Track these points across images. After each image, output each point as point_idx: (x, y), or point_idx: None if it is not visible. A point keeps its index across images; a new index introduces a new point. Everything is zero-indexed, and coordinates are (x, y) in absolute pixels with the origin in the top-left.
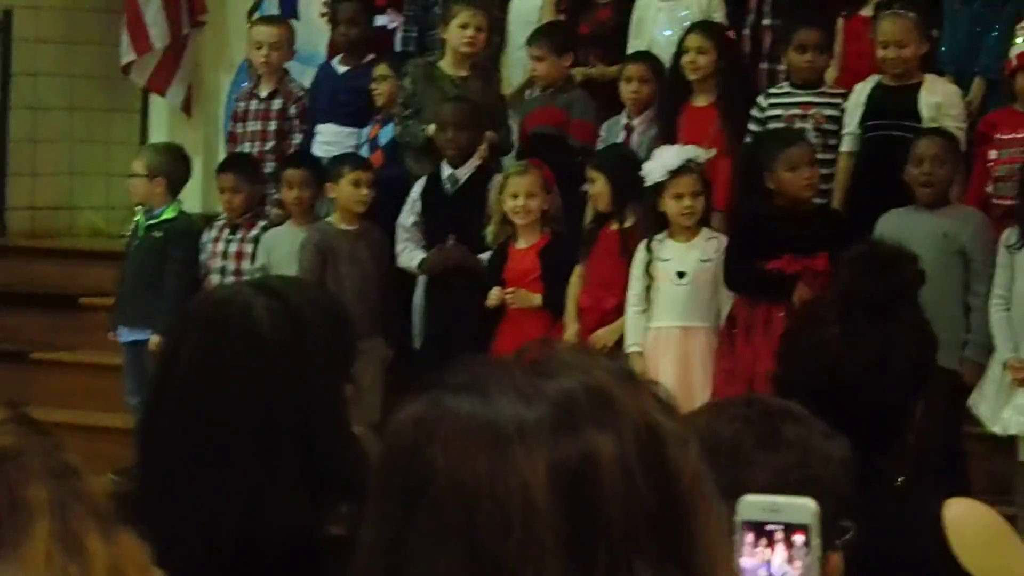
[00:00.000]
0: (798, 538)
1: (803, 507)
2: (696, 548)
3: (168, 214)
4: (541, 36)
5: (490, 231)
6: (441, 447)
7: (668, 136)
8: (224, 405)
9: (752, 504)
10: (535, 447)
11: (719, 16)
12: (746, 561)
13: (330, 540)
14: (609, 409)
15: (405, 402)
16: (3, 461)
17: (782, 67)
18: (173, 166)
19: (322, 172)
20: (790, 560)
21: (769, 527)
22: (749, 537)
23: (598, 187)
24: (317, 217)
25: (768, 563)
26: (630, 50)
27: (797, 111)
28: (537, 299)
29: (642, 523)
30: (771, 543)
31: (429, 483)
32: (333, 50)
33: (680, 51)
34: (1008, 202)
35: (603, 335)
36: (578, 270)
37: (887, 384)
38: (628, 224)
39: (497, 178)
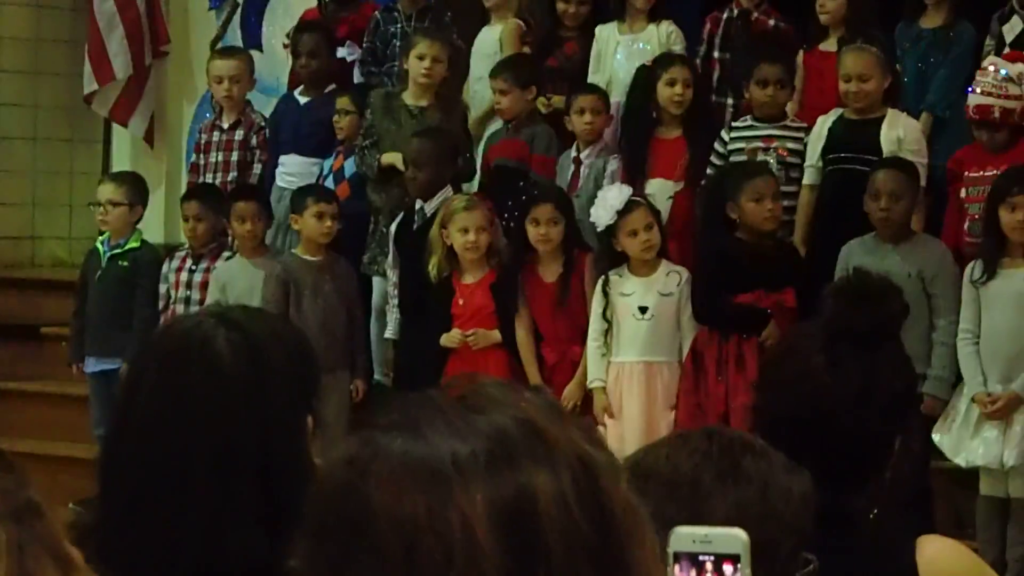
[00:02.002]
0: (727, 568)
1: (734, 537)
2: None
3: (133, 243)
4: (505, 69)
5: (433, 265)
6: (376, 486)
7: (637, 169)
8: (183, 437)
9: (684, 535)
10: (473, 483)
11: (679, 49)
12: None
13: (289, 574)
14: (542, 443)
15: (336, 443)
16: None
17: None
18: (144, 195)
19: (267, 203)
20: None
21: (700, 558)
22: (677, 569)
23: (559, 230)
24: (268, 249)
25: None
26: (590, 83)
27: (759, 144)
28: (496, 336)
29: (580, 554)
30: (700, 572)
31: (366, 522)
32: (294, 81)
33: (648, 83)
34: (979, 240)
35: (571, 393)
36: (522, 321)
37: (870, 417)
38: (559, 275)
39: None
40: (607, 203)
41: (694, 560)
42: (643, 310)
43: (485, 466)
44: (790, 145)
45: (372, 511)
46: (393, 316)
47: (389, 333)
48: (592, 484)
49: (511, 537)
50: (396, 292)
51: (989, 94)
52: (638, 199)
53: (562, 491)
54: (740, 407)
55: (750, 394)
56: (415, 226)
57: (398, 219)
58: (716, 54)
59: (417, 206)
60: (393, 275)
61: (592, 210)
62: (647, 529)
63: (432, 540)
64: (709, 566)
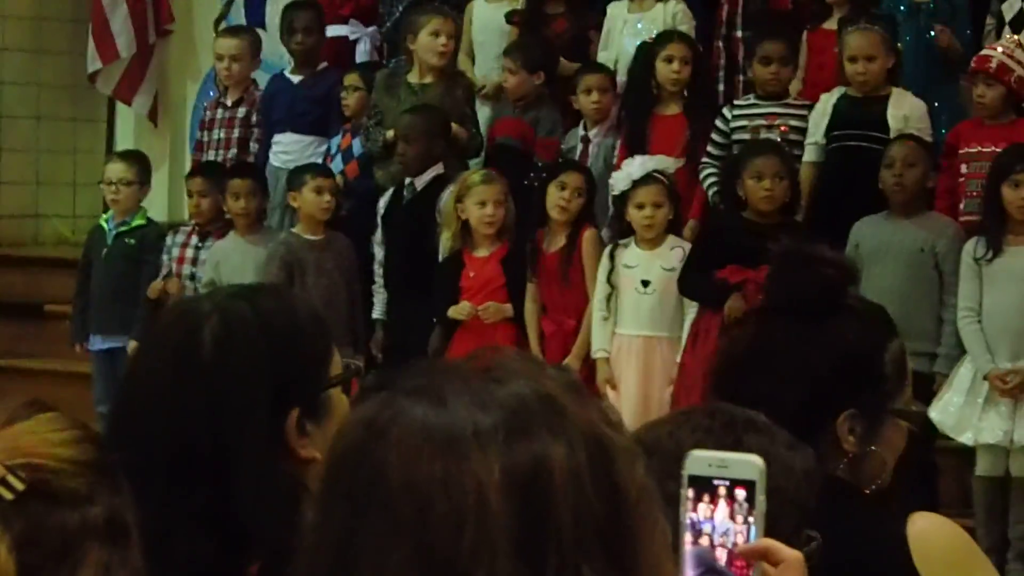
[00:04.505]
0: (739, 493)
1: (749, 463)
2: (641, 561)
3: (139, 220)
4: (516, 51)
5: (446, 239)
6: (395, 448)
7: (636, 145)
8: (150, 427)
9: (699, 459)
10: (491, 451)
11: (686, 27)
12: (691, 515)
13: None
14: (560, 417)
15: (356, 403)
16: (68, 506)
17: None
18: (150, 173)
19: (266, 181)
20: (732, 515)
21: (715, 482)
22: (691, 493)
23: (580, 203)
24: (264, 227)
25: (711, 518)
26: (600, 61)
27: (762, 122)
28: (509, 310)
29: (590, 531)
30: (714, 499)
31: (380, 483)
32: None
33: (648, 60)
34: (975, 218)
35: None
36: (531, 292)
37: (815, 389)
38: (561, 247)
39: (450, 187)
40: (628, 170)
41: (708, 485)
42: (645, 284)
43: (504, 435)
44: (792, 123)
45: (387, 472)
46: (380, 296)
47: (376, 313)
48: (607, 464)
49: (523, 506)
50: (382, 271)
51: (996, 48)
52: (659, 176)
53: (577, 467)
54: (700, 379)
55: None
56: (404, 201)
57: (387, 196)
58: (738, 33)
59: (407, 181)
60: (379, 253)
61: (614, 173)
62: (659, 516)
63: (445, 504)
64: (722, 491)
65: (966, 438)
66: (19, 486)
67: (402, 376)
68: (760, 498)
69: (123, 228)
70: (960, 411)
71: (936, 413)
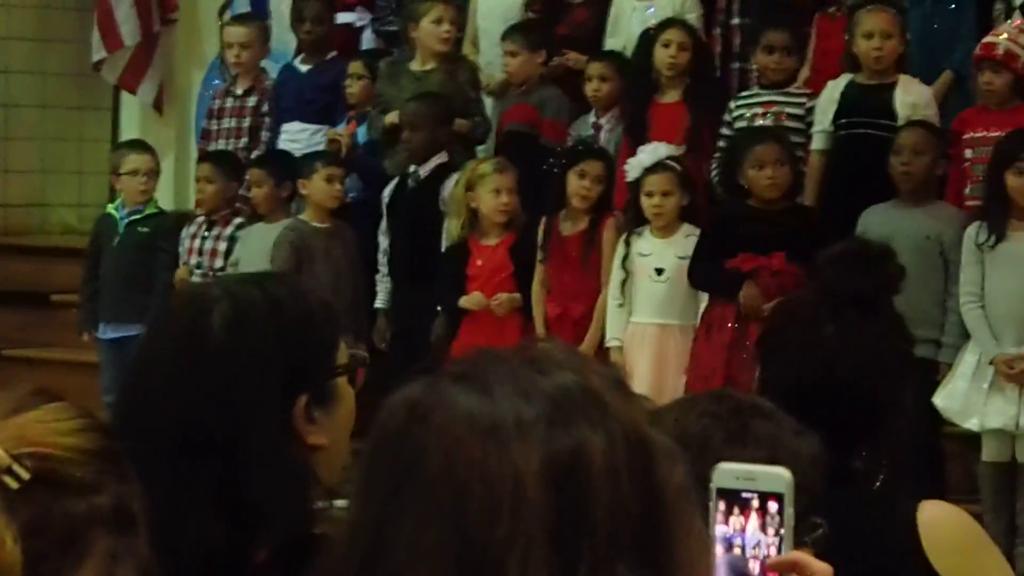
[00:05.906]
0: (772, 505)
1: (778, 476)
2: (676, 562)
3: (151, 209)
4: (515, 32)
5: (455, 227)
6: (436, 434)
7: (636, 132)
8: (160, 412)
9: (727, 472)
10: (531, 441)
11: (693, 16)
12: (720, 528)
13: (257, 568)
14: (602, 411)
15: (401, 385)
16: (74, 495)
17: (753, 66)
18: (159, 164)
19: (289, 168)
20: (763, 527)
21: (744, 495)
22: (723, 505)
23: (600, 189)
24: (289, 213)
25: (742, 531)
26: (607, 48)
27: (759, 109)
28: (519, 300)
29: (626, 528)
30: (744, 511)
31: (419, 467)
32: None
33: (649, 47)
34: (981, 203)
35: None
36: (539, 275)
37: (880, 380)
38: (579, 232)
39: (454, 175)
40: (640, 157)
41: (737, 497)
42: (659, 271)
43: (545, 426)
44: (789, 110)
45: (427, 457)
46: (384, 285)
47: (380, 302)
48: (647, 463)
49: (560, 497)
50: (386, 260)
51: (1000, 35)
52: (671, 164)
53: (615, 462)
54: (716, 369)
55: (724, 355)
56: (408, 190)
57: (392, 184)
58: (736, 21)
59: (411, 169)
60: (384, 242)
61: (629, 160)
62: (697, 519)
63: (482, 491)
64: (754, 504)
65: (972, 424)
66: (25, 475)
67: (449, 361)
68: (789, 511)
69: (135, 216)
70: (966, 397)
71: (941, 400)
